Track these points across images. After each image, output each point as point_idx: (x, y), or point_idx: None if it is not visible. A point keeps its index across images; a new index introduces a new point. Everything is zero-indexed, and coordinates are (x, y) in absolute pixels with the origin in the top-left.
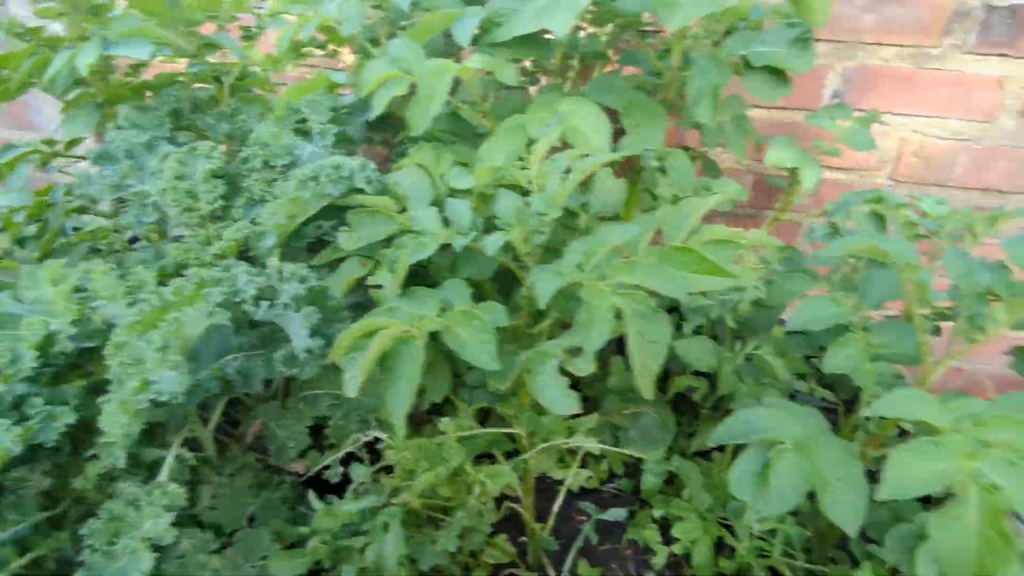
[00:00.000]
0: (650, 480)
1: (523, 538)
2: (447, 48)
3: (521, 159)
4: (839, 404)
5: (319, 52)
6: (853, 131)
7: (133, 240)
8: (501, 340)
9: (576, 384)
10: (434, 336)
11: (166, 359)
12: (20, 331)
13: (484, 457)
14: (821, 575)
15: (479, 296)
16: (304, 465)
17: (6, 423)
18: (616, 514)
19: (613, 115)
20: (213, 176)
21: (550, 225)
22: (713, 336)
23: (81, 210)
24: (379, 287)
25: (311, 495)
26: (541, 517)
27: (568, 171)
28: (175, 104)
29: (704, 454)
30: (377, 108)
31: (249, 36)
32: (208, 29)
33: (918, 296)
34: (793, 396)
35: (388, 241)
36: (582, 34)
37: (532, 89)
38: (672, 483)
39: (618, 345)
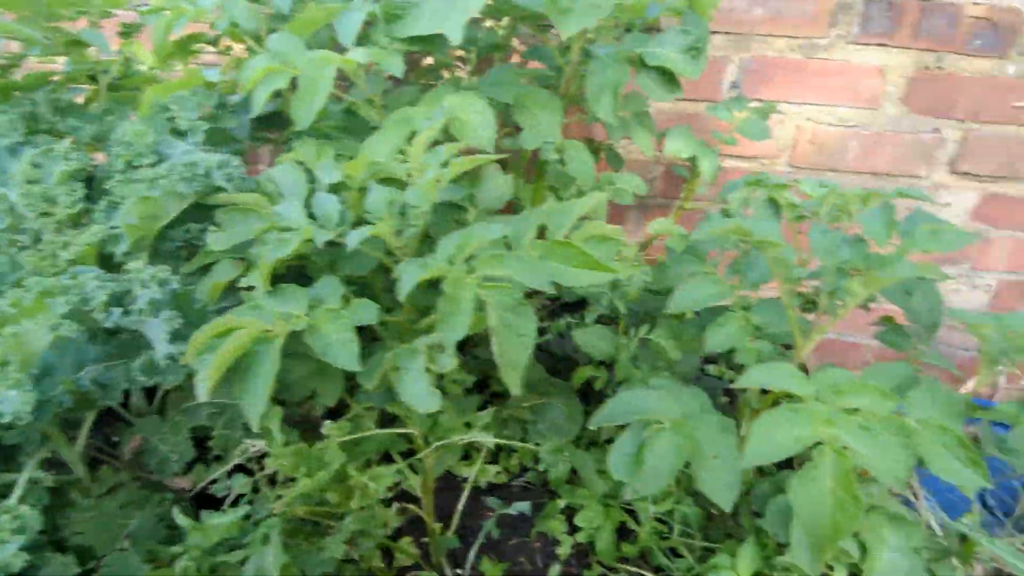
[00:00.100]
0: (556, 471)
1: (426, 539)
2: (341, 47)
3: (402, 153)
4: None
5: (213, 49)
6: (749, 122)
7: None
8: (389, 338)
9: (486, 380)
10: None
11: (6, 377)
12: None
13: (386, 459)
14: (714, 551)
15: (363, 293)
16: (190, 480)
17: None
18: (520, 507)
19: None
20: (71, 178)
21: (422, 218)
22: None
23: None
24: (251, 288)
25: (176, 511)
26: (448, 516)
27: (447, 164)
28: (30, 107)
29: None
30: (258, 104)
31: (127, 33)
32: (83, 25)
33: (783, 273)
34: (699, 379)
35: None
36: (486, 26)
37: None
38: None
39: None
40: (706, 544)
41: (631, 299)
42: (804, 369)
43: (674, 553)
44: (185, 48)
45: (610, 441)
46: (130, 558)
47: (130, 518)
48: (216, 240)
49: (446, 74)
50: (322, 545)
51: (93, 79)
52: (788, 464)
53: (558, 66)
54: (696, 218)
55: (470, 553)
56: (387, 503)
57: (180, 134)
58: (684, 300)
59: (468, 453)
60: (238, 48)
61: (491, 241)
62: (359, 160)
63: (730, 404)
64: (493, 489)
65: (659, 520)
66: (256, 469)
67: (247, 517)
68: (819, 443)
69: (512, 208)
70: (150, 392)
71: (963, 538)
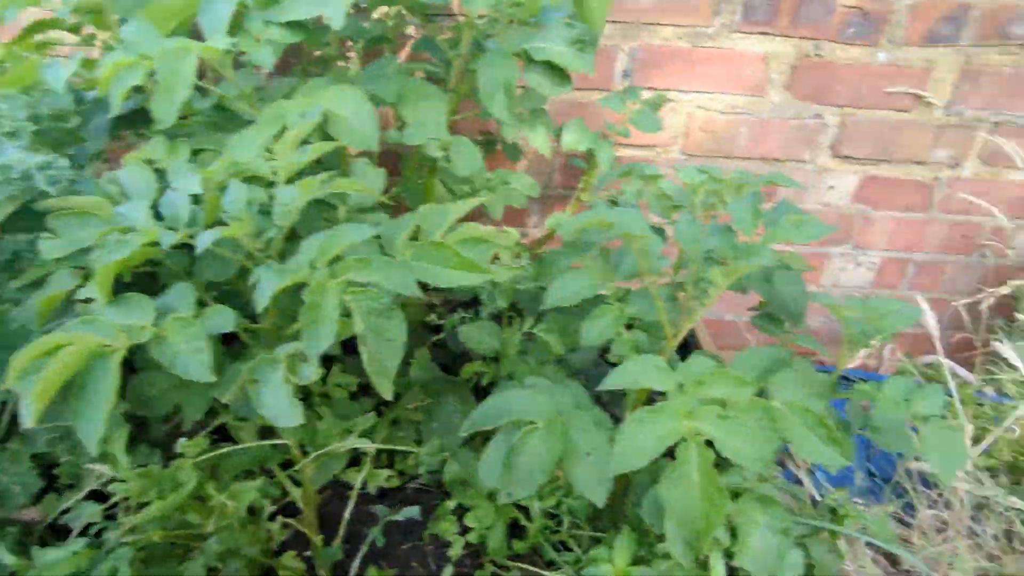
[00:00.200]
0: (450, 471)
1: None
2: None
3: (269, 150)
4: None
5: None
6: (641, 114)
7: None
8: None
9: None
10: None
11: None
12: None
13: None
14: (600, 540)
15: (229, 300)
16: (39, 512)
17: None
18: (409, 512)
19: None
20: None
21: (286, 218)
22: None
23: None
24: (90, 301)
25: (0, 548)
26: (336, 526)
27: (319, 162)
28: None
29: None
30: (115, 103)
31: None
32: None
33: (647, 264)
34: (600, 368)
35: None
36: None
37: None
38: None
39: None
40: (595, 535)
41: (508, 294)
42: (718, 355)
43: (564, 547)
44: (28, 36)
45: None
46: None
47: None
48: (49, 248)
49: (343, 66)
50: (181, 571)
51: None
52: (671, 453)
53: (448, 59)
54: None
55: (354, 563)
56: (272, 516)
57: (12, 135)
58: (559, 294)
59: (359, 458)
60: (106, 36)
61: (359, 243)
62: (224, 160)
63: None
64: (385, 494)
65: (551, 514)
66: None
67: (100, 547)
68: (683, 439)
69: (404, 207)
70: None
71: (833, 512)
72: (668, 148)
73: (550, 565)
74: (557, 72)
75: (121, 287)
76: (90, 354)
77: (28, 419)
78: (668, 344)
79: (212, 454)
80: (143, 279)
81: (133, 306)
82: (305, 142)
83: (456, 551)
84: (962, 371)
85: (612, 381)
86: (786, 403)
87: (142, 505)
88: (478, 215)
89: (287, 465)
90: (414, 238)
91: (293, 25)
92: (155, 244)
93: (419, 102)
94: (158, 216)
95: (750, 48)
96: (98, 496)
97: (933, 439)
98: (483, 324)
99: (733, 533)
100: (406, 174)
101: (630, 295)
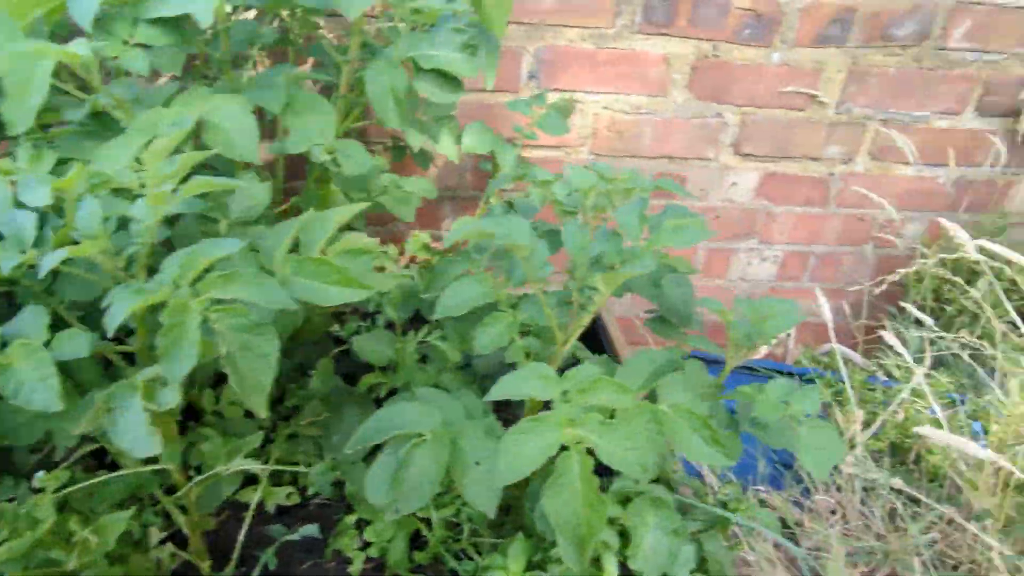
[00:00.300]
0: (351, 485)
1: None
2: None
3: (138, 161)
4: None
5: None
6: (548, 117)
7: None
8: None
9: (281, 396)
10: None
11: None
12: None
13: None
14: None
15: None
16: None
17: None
18: (307, 530)
19: None
20: None
21: (148, 234)
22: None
23: None
24: None
25: None
26: (231, 550)
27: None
28: None
29: None
30: None
31: None
32: None
33: (532, 272)
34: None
35: None
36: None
37: None
38: None
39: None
40: (497, 541)
41: (396, 303)
42: (617, 357)
43: (466, 555)
44: None
45: None
46: None
47: None
48: None
49: (238, 73)
50: None
51: None
52: None
53: (337, 65)
54: None
55: None
56: (163, 542)
57: None
58: (450, 302)
59: (255, 477)
60: None
61: (231, 257)
62: (76, 170)
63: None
64: (286, 512)
65: (454, 523)
66: None
67: None
68: (565, 448)
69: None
70: None
71: (724, 505)
72: (577, 148)
73: (453, 575)
74: (448, 79)
75: None
76: None
77: None
78: (558, 350)
79: (78, 486)
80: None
81: None
82: (179, 152)
83: (357, 567)
84: (856, 357)
85: (496, 392)
86: (672, 406)
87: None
88: (390, 219)
89: (176, 489)
90: (295, 250)
91: (163, 24)
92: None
93: (305, 112)
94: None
95: (651, 49)
96: None
97: (809, 438)
98: (378, 334)
99: (625, 536)
100: (307, 183)
101: (522, 301)
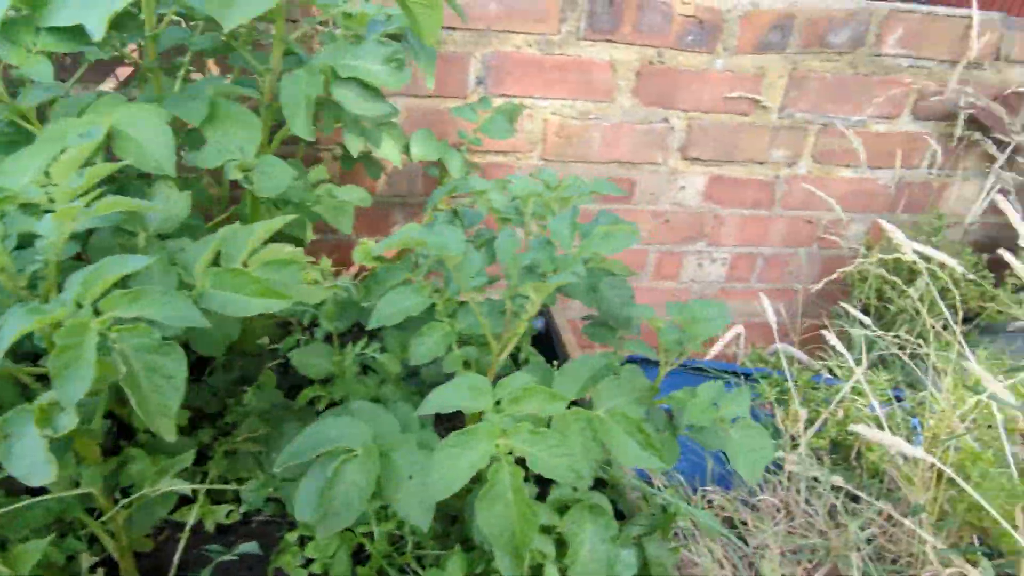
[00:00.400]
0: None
1: None
2: None
3: (47, 174)
4: None
5: None
6: (493, 121)
7: None
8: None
9: (221, 411)
10: None
11: None
12: None
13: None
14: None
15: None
16: None
17: None
18: (245, 548)
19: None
20: None
21: (48, 252)
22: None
23: None
24: None
25: None
26: (167, 572)
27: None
28: None
29: None
30: None
31: None
32: None
33: (464, 282)
34: None
35: None
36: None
37: None
38: None
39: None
40: (440, 553)
41: (331, 315)
42: (548, 367)
43: (410, 568)
44: None
45: None
46: None
47: None
48: None
49: (167, 81)
50: None
51: None
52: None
53: (261, 73)
54: None
55: None
56: (94, 568)
57: None
58: (386, 312)
59: (193, 495)
60: None
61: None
62: None
63: None
64: (227, 530)
65: (398, 536)
66: None
67: None
68: (496, 459)
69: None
70: None
71: (663, 509)
72: (528, 154)
73: None
74: (369, 89)
75: None
76: None
77: None
78: (495, 359)
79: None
80: None
81: None
82: (90, 164)
83: None
84: (802, 356)
85: (427, 406)
86: (608, 411)
87: None
88: (331, 228)
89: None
90: (216, 263)
91: (62, 32)
92: None
93: (229, 124)
94: None
95: (597, 55)
96: None
97: (740, 441)
98: (316, 346)
99: (563, 544)
100: (245, 193)
101: (459, 311)
